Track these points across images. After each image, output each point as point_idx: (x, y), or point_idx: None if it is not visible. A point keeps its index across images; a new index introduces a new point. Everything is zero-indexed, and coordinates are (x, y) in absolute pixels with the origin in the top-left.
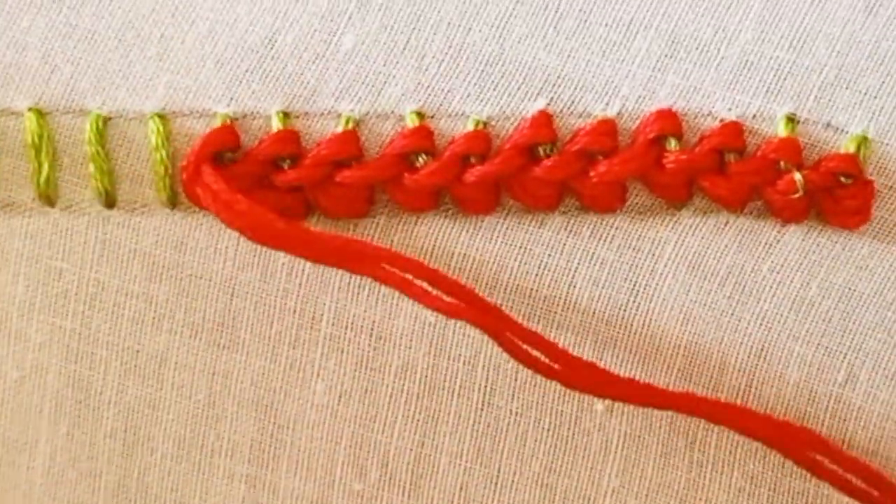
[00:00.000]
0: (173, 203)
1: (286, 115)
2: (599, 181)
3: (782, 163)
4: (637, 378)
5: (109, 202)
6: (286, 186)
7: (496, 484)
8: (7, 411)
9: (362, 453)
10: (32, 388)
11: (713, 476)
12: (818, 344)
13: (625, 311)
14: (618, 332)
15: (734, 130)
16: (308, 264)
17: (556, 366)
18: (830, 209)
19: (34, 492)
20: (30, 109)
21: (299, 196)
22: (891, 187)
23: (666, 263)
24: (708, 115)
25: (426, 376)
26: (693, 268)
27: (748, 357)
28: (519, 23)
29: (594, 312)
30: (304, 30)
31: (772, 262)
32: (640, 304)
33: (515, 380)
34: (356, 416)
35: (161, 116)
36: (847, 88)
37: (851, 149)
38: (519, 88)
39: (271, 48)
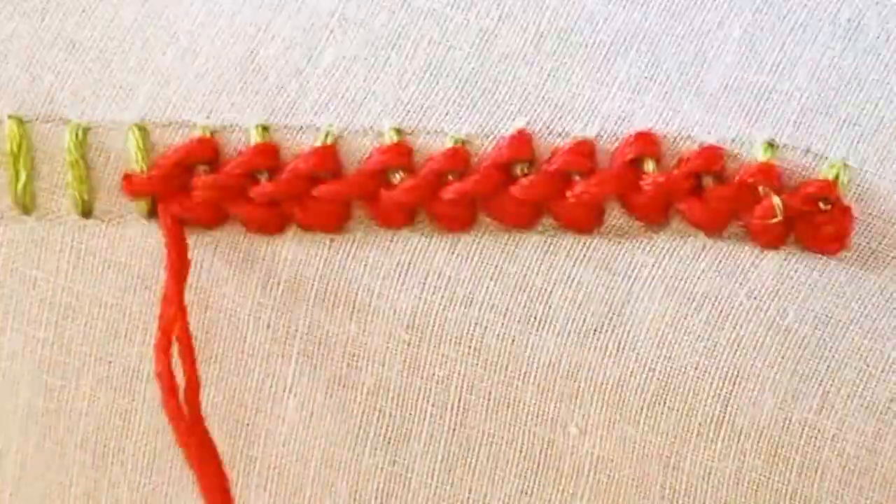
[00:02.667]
0: (151, 214)
1: (265, 128)
2: (577, 202)
3: (761, 188)
4: (609, 402)
5: (86, 212)
6: (263, 199)
7: None
8: None
9: (332, 471)
10: (4, 397)
11: (686, 502)
12: (793, 370)
13: (600, 333)
14: (592, 355)
15: (713, 154)
16: (283, 279)
17: None
18: (809, 235)
19: (3, 501)
20: (10, 117)
21: (276, 209)
22: (870, 214)
23: (642, 286)
24: (687, 138)
25: (399, 395)
26: (669, 291)
27: (723, 382)
28: (500, 42)
29: (569, 333)
30: (286, 44)
31: (749, 287)
32: (615, 326)
33: (489, 400)
34: (327, 433)
35: (140, 127)
36: (826, 115)
37: (830, 175)
38: (498, 107)
39: (252, 61)
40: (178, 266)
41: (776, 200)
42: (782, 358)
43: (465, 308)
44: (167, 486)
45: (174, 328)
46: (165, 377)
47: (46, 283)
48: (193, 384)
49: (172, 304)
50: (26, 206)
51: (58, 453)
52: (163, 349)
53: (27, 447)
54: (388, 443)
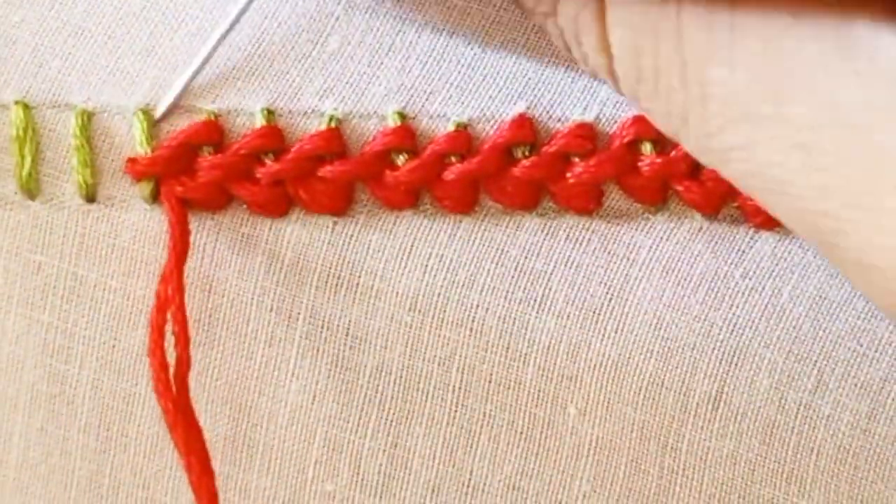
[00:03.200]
0: (153, 198)
1: (270, 112)
2: (576, 182)
3: None
4: (608, 383)
5: (90, 196)
6: (268, 180)
7: (468, 486)
8: None
9: (335, 454)
10: (7, 381)
11: (684, 482)
12: (788, 351)
13: (599, 314)
14: (592, 336)
15: None
16: (286, 262)
17: None
18: None
19: (6, 485)
20: (16, 102)
21: (280, 190)
22: None
23: (640, 268)
24: None
25: (401, 377)
26: (666, 272)
27: (719, 363)
28: (501, 28)
29: (569, 315)
30: (292, 30)
31: (744, 268)
32: (614, 307)
33: (489, 382)
34: (329, 416)
35: (145, 112)
36: None
37: None
38: (500, 92)
39: (258, 47)
40: (180, 247)
41: None
42: (777, 339)
43: (466, 290)
44: (170, 471)
45: (169, 307)
46: (157, 356)
47: (50, 268)
48: (183, 364)
49: (169, 283)
50: (31, 190)
51: (61, 437)
52: (157, 328)
53: (31, 431)
54: (390, 425)
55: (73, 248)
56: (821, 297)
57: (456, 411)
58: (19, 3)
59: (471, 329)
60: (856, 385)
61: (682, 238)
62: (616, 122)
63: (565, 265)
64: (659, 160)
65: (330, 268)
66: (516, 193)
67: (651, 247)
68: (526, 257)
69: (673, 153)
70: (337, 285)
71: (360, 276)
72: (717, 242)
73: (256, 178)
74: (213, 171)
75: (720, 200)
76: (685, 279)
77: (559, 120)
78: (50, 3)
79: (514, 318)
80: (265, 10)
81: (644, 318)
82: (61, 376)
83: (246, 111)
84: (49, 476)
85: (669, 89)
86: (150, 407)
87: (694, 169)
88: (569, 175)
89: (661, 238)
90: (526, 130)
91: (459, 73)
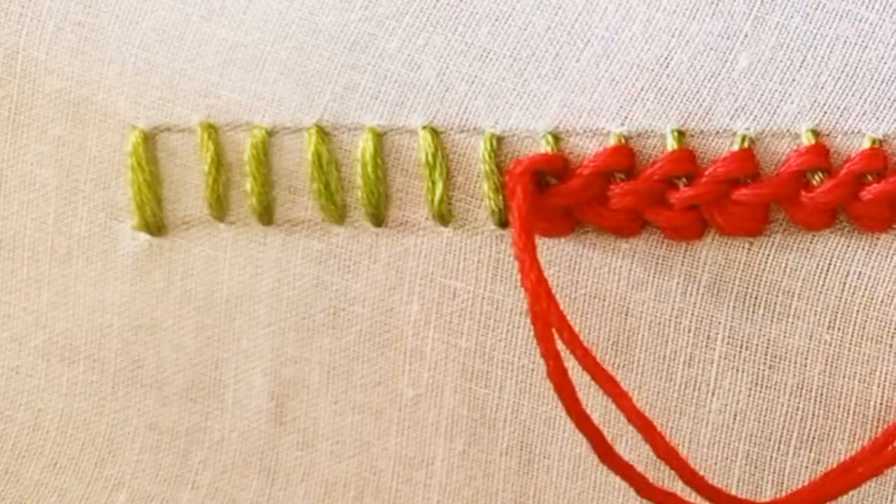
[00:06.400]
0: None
1: (681, 133)
2: None
3: None
4: None
5: (503, 222)
6: (682, 205)
7: None
8: (404, 429)
9: (757, 471)
10: (429, 406)
11: None
12: None
13: None
14: None
15: None
16: (703, 283)
17: None
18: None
19: None
20: (424, 128)
21: (695, 214)
22: None
23: None
24: None
25: (821, 395)
26: None
27: None
28: None
29: None
30: (699, 49)
31: None
32: None
33: None
34: (751, 434)
35: (555, 136)
36: None
37: None
38: None
39: (666, 67)
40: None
41: None
42: None
43: (885, 307)
44: (593, 491)
45: (550, 321)
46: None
47: (466, 293)
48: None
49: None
50: (443, 216)
51: (483, 461)
52: (550, 353)
53: (453, 455)
54: (812, 442)
55: (488, 274)
56: None
57: (877, 428)
58: (422, 27)
59: (890, 345)
60: None
61: None
62: None
63: None
64: None
65: (747, 288)
66: None
67: None
68: None
69: None
70: (755, 305)
71: (777, 296)
72: None
73: (670, 202)
74: (625, 199)
75: None
76: None
77: None
78: (454, 26)
79: None
80: (672, 29)
81: None
82: (481, 401)
83: (657, 133)
84: (473, 499)
85: None
86: (571, 428)
87: None
88: None
89: None
90: None
91: (874, 87)
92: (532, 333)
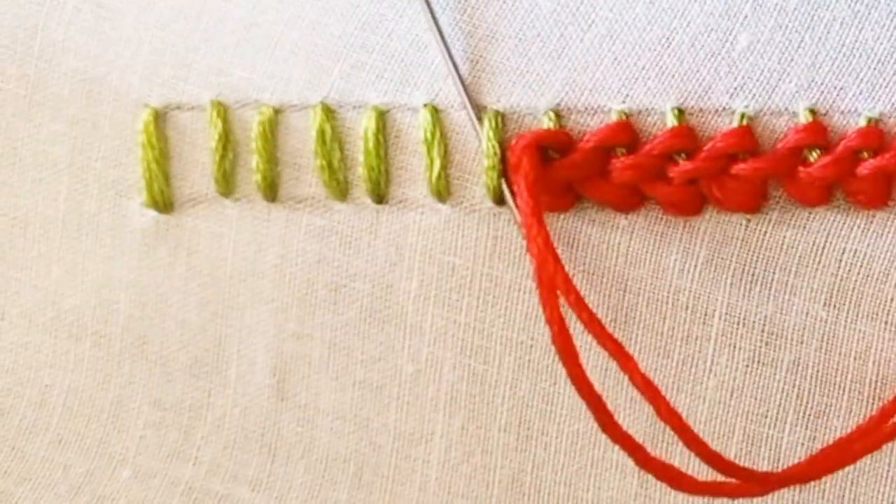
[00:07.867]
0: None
1: (681, 111)
2: None
3: None
4: None
5: (499, 199)
6: (682, 179)
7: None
8: (403, 404)
9: (754, 448)
10: (428, 381)
11: None
12: None
13: None
14: None
15: None
16: (700, 260)
17: None
18: None
19: (429, 484)
20: (425, 105)
21: (694, 189)
22: None
23: None
24: None
25: (817, 372)
26: None
27: None
28: None
29: None
30: (700, 29)
31: None
32: None
33: None
34: (747, 411)
35: (557, 113)
36: None
37: None
38: None
39: (668, 46)
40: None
41: None
42: None
43: (881, 284)
44: (591, 468)
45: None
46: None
47: (465, 269)
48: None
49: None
50: (441, 193)
51: (482, 437)
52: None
53: (451, 430)
54: (808, 419)
55: (486, 250)
56: None
57: (873, 405)
58: (441, 10)
59: (885, 322)
60: None
61: None
62: None
63: None
64: None
65: (744, 265)
66: None
67: None
68: None
69: None
70: (751, 282)
71: (774, 273)
72: None
73: (669, 177)
74: (626, 172)
75: None
76: None
77: None
78: (462, 7)
79: None
80: (674, 9)
81: None
82: (480, 376)
83: (657, 110)
84: (472, 475)
85: None
86: (570, 405)
87: None
88: None
89: None
90: None
91: (870, 67)
92: (530, 310)
